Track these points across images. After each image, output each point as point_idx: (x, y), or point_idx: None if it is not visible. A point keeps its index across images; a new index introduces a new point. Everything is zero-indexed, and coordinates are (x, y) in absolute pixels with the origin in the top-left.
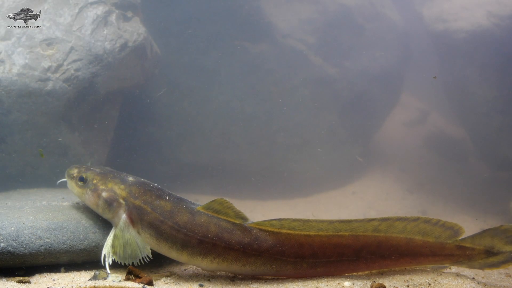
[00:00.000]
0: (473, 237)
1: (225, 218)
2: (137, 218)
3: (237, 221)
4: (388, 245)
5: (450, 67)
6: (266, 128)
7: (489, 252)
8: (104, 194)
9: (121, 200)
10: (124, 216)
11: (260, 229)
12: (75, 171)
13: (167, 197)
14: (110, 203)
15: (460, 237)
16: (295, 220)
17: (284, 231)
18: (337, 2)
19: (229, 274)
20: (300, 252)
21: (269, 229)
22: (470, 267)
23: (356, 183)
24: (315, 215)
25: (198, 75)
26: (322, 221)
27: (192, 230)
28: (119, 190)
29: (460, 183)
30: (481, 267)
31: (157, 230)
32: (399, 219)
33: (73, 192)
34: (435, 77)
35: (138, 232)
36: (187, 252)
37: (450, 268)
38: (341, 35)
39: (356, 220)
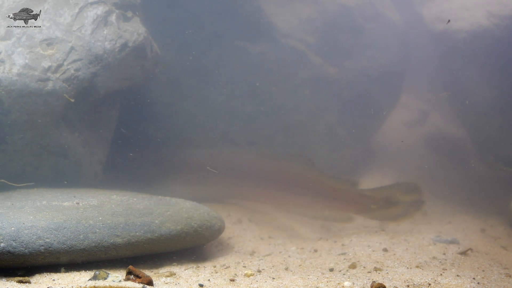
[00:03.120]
0: (373, 189)
1: None
2: None
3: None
4: (310, 180)
5: (450, 67)
6: (266, 128)
7: (388, 202)
8: None
9: None
10: None
11: None
12: None
13: None
14: None
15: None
16: None
17: None
18: (337, 2)
19: (230, 277)
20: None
21: None
22: (373, 217)
23: None
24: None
25: (198, 75)
26: None
27: None
28: None
29: (460, 183)
30: (383, 218)
31: None
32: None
33: None
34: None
35: None
36: None
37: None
38: (341, 35)
39: None
